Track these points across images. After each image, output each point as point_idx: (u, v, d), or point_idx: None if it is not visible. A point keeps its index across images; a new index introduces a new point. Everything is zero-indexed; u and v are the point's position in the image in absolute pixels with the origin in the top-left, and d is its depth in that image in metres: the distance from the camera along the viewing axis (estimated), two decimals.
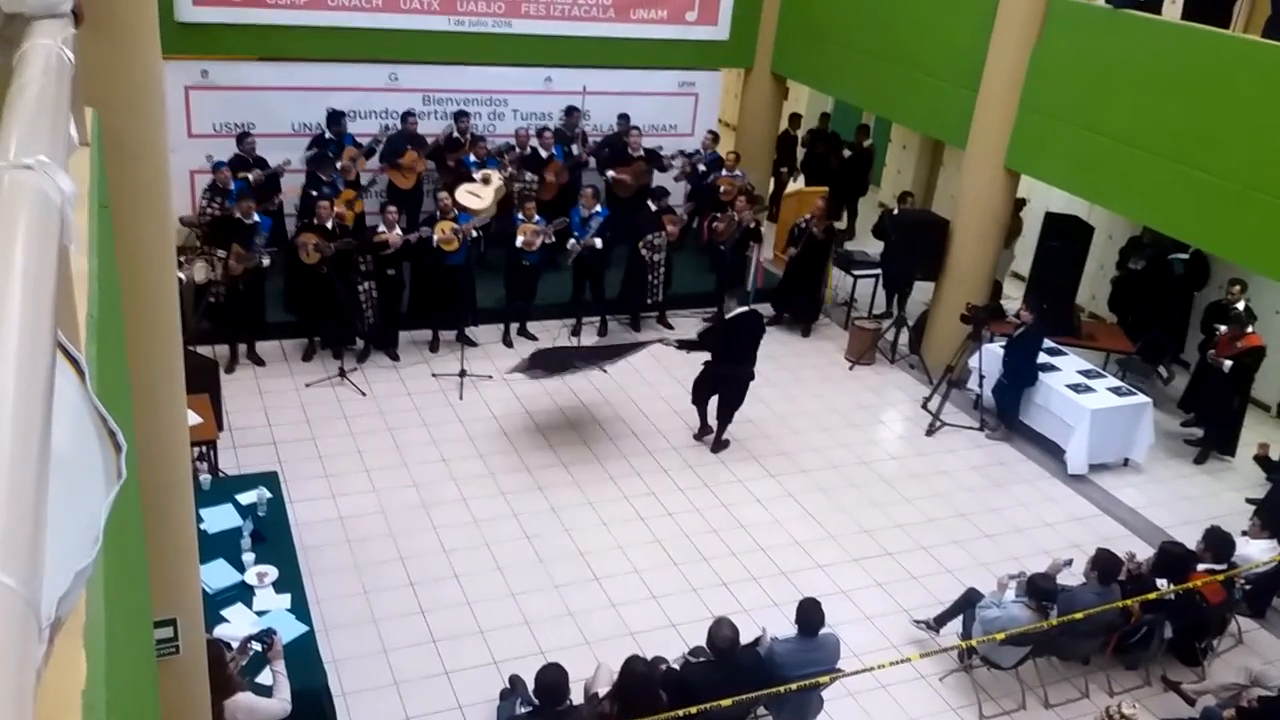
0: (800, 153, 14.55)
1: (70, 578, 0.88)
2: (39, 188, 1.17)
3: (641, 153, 12.03)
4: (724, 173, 12.16)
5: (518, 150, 11.60)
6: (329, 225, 9.51)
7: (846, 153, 13.87)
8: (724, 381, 9.05)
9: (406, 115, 11.24)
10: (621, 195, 11.72)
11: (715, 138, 12.72)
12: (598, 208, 10.71)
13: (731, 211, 11.28)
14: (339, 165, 10.50)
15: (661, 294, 11.13)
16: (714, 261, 11.67)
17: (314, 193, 10.19)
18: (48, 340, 0.97)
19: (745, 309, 9.08)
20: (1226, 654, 7.41)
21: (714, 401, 9.18)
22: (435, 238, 9.74)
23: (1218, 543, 7.10)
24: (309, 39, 10.96)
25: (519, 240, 10.19)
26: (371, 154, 10.99)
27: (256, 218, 9.34)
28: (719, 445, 9.17)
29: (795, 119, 14.51)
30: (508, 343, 10.68)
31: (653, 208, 11.17)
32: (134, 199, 3.27)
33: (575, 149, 11.84)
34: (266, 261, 9.28)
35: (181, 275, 8.00)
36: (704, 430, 9.28)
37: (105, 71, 3.00)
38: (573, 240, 10.49)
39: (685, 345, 9.27)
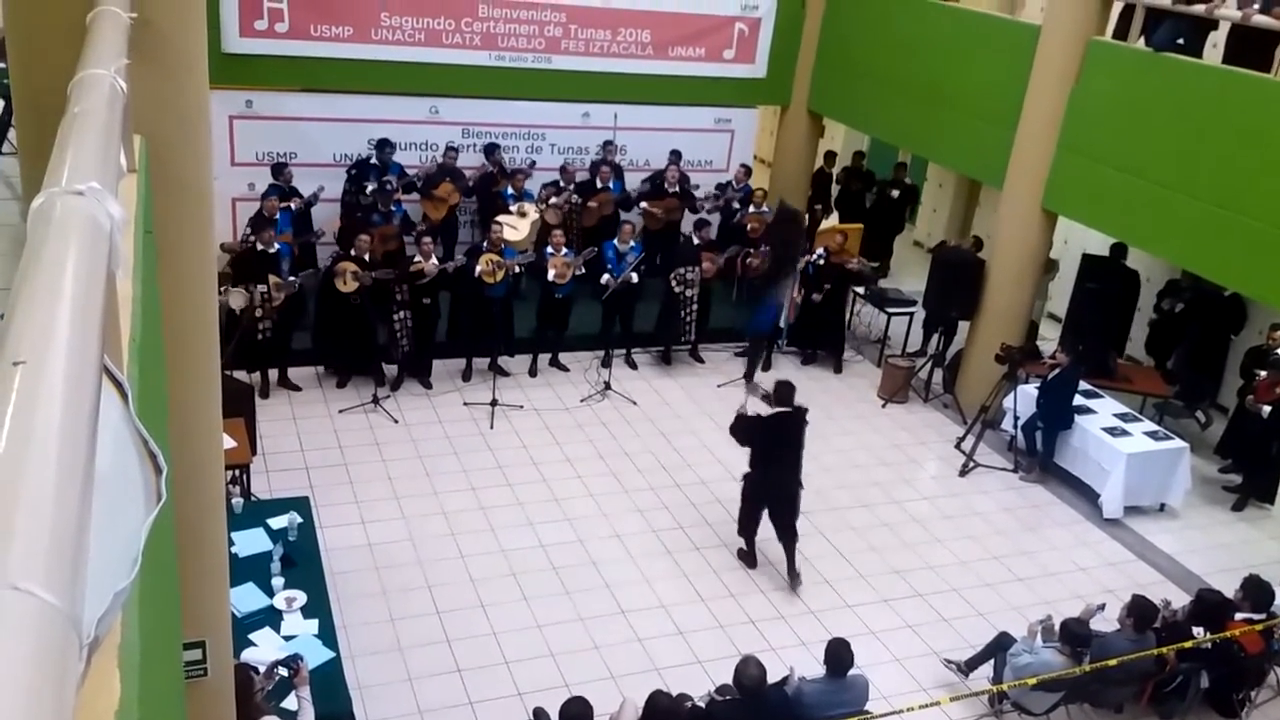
0: (835, 190, 14.55)
1: (109, 598, 0.89)
2: (90, 213, 1.19)
3: (676, 189, 12.09)
4: (752, 209, 12.21)
5: (562, 184, 11.70)
6: (365, 258, 9.62)
7: (895, 193, 13.85)
8: (770, 498, 7.82)
9: (449, 149, 11.38)
10: (651, 228, 11.79)
11: (748, 171, 12.76)
12: (633, 243, 10.77)
13: (765, 247, 11.29)
14: (394, 194, 10.62)
15: (694, 331, 11.14)
16: (748, 297, 11.68)
17: (359, 214, 10.33)
18: (94, 362, 0.99)
19: (787, 408, 7.68)
20: (1265, 705, 7.23)
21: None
22: (478, 269, 9.83)
23: (1256, 591, 6.96)
24: (352, 71, 11.13)
25: (550, 274, 10.26)
26: (412, 189, 11.13)
27: (277, 246, 9.46)
28: (794, 578, 7.82)
29: (830, 156, 14.53)
30: (532, 373, 10.71)
31: (695, 240, 11.23)
32: (178, 225, 3.33)
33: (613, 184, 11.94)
34: (299, 285, 9.40)
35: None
36: (750, 559, 8.07)
37: (155, 100, 3.07)
38: (607, 276, 10.54)
39: (734, 427, 7.92)
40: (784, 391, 7.74)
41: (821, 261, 11.24)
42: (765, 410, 7.66)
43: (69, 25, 2.42)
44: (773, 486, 7.80)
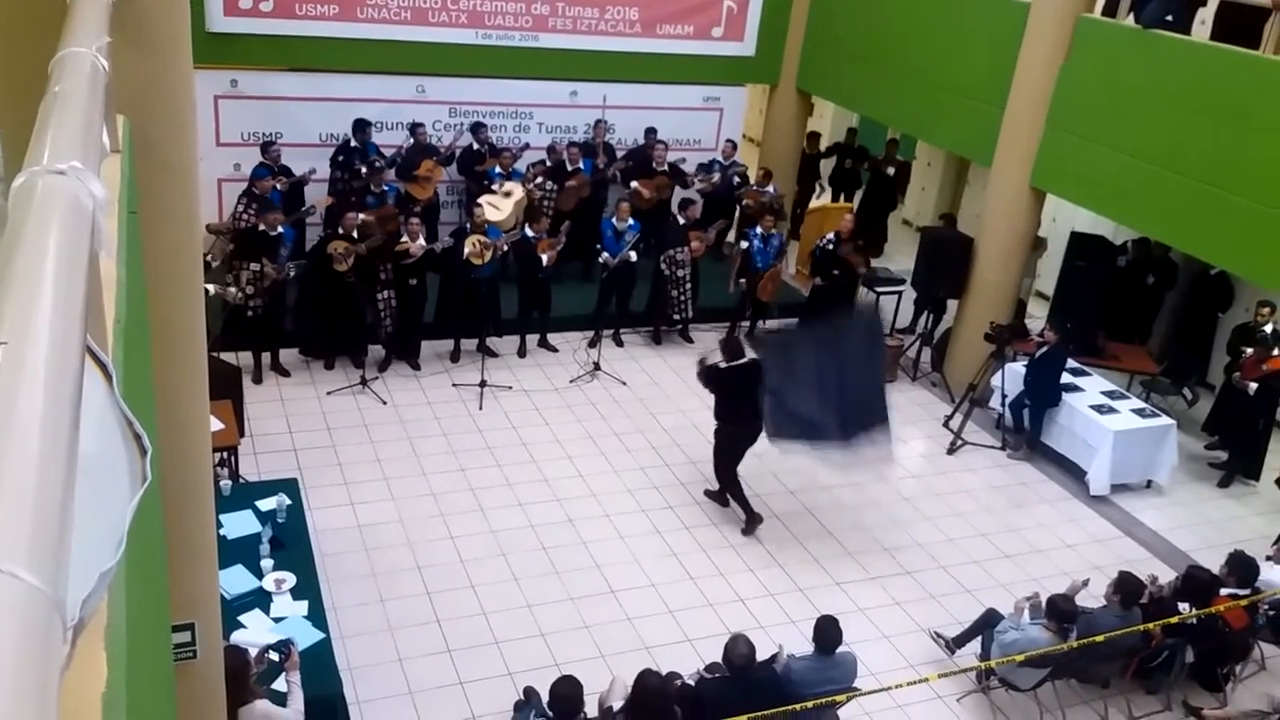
0: (830, 165, 14.53)
1: (94, 580, 0.89)
2: (72, 193, 1.18)
3: (665, 167, 12.06)
4: (754, 187, 12.17)
5: (548, 164, 11.65)
6: (353, 234, 9.56)
7: (891, 170, 13.86)
8: (744, 444, 8.18)
9: (415, 126, 11.28)
10: (641, 207, 11.75)
11: (734, 146, 12.72)
12: (630, 220, 10.73)
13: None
14: (383, 174, 10.56)
15: (690, 310, 11.12)
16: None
17: (352, 199, 10.29)
18: (77, 344, 0.98)
19: (745, 359, 8.06)
20: (1249, 680, 7.32)
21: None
22: (466, 250, 9.79)
23: (1241, 567, 7.02)
24: (337, 50, 11.05)
25: (544, 260, 10.22)
26: (393, 165, 11.06)
27: (281, 229, 9.42)
28: (719, 497, 8.46)
29: (813, 138, 14.43)
30: (521, 354, 10.70)
31: (680, 220, 11.18)
32: (163, 206, 3.30)
33: (602, 162, 11.88)
34: (292, 273, 9.36)
35: (210, 287, 8.04)
36: (753, 519, 8.25)
37: (138, 80, 3.03)
38: (605, 255, 10.52)
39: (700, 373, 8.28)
40: (735, 346, 8.19)
41: (830, 246, 11.15)
42: (721, 363, 8.03)
43: (50, 3, 2.39)
44: (744, 437, 8.16)
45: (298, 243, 9.95)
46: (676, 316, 11.18)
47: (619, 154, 12.25)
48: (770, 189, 12.15)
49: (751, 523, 8.26)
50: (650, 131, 12.31)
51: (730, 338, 8.38)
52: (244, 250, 9.35)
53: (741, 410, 8.04)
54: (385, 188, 10.50)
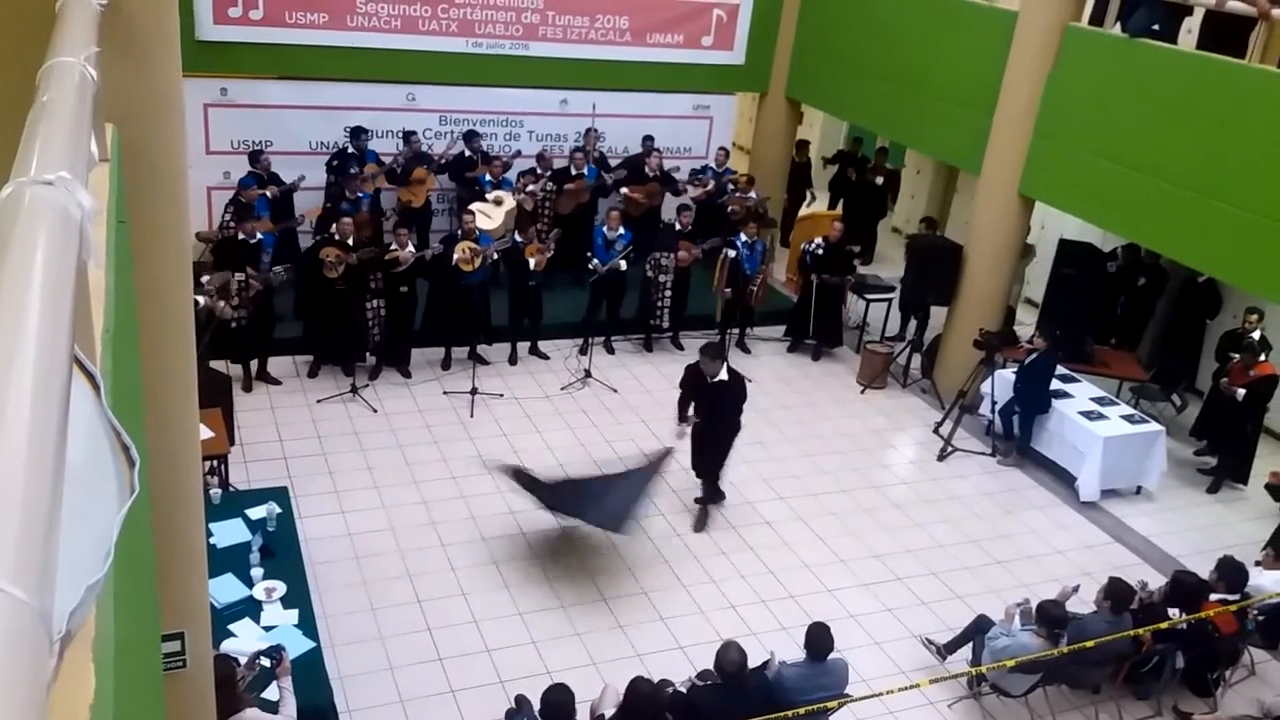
0: (829, 174, 14.55)
1: (81, 592, 0.88)
2: (60, 204, 1.18)
3: (657, 174, 12.07)
4: (738, 194, 12.19)
5: (539, 171, 11.66)
6: (349, 241, 9.55)
7: (879, 179, 13.89)
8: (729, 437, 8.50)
9: (409, 135, 11.29)
10: (632, 214, 11.76)
11: (727, 154, 12.75)
12: (621, 230, 10.73)
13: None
14: (361, 180, 10.56)
15: (668, 318, 11.11)
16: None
17: (329, 205, 10.27)
18: (65, 355, 0.98)
19: (728, 371, 8.23)
20: (1239, 685, 7.34)
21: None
22: (455, 256, 9.78)
23: (1231, 573, 7.04)
24: (327, 58, 11.05)
25: (531, 263, 10.22)
26: (393, 175, 11.07)
27: (260, 236, 9.39)
28: (711, 501, 8.66)
29: (802, 145, 14.45)
30: (512, 361, 10.68)
31: (676, 226, 11.18)
32: (152, 214, 3.29)
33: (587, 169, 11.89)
34: (276, 280, 9.32)
35: (200, 299, 8.01)
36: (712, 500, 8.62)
37: (126, 88, 3.03)
38: (595, 261, 10.52)
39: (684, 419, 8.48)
40: (717, 350, 8.34)
41: (819, 251, 11.19)
42: (724, 375, 8.14)
43: (38, 13, 2.39)
44: (732, 429, 8.47)
45: (281, 247, 9.90)
46: (654, 322, 11.17)
47: (613, 163, 12.26)
48: (753, 194, 12.16)
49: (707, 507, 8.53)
50: (647, 139, 12.31)
51: (710, 344, 8.61)
52: (225, 259, 9.30)
53: (740, 400, 8.41)
54: (360, 195, 10.49)
